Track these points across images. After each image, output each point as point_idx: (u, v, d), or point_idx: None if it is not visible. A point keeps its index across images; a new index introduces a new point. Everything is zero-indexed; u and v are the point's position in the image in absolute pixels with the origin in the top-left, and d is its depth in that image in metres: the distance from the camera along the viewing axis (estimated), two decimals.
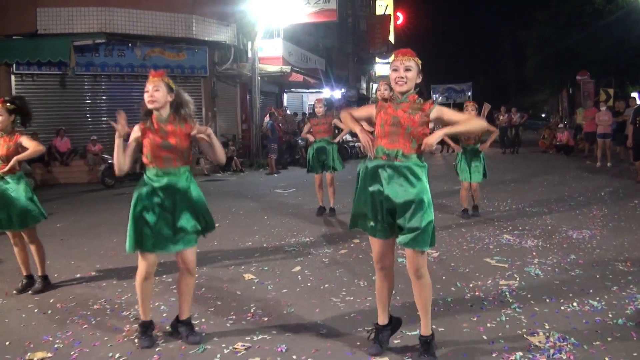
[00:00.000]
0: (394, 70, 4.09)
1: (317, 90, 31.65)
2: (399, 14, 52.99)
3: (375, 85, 49.21)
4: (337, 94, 33.47)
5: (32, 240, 6.34)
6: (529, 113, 28.90)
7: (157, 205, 4.47)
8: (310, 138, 10.66)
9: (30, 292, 6.22)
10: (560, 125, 24.08)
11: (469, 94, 40.25)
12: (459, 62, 72.87)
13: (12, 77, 17.65)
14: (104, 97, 19.48)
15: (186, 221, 4.51)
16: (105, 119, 19.40)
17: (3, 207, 5.99)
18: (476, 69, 67.58)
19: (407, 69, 4.03)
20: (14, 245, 6.33)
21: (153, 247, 4.42)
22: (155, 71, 4.59)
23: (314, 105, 10.87)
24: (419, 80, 4.12)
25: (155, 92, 4.47)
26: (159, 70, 4.65)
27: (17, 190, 6.08)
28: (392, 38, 47.12)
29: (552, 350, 4.24)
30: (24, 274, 6.39)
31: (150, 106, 4.49)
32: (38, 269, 6.38)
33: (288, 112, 25.64)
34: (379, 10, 46.29)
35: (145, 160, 4.55)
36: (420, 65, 4.11)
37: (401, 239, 4.01)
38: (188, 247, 4.54)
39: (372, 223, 4.15)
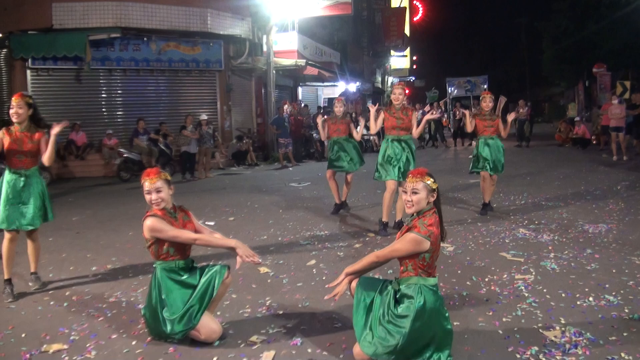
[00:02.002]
0: (403, 192, 4.14)
1: (332, 83, 31.59)
2: (417, 3, 52.83)
3: (390, 79, 49.09)
4: (352, 87, 33.39)
5: (36, 237, 6.32)
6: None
7: None
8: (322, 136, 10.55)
9: (36, 288, 6.17)
10: (577, 118, 23.85)
11: (485, 86, 39.97)
12: (475, 54, 72.51)
13: (28, 72, 17.76)
14: (120, 92, 19.57)
15: None
16: (120, 113, 19.50)
17: (28, 205, 6.05)
18: (492, 62, 67.26)
19: (414, 192, 4.01)
20: (29, 240, 6.30)
21: None
22: None
23: (334, 104, 10.67)
24: (432, 199, 4.06)
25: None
26: None
27: (39, 184, 6.16)
28: (407, 31, 46.93)
29: (568, 345, 4.22)
30: (32, 270, 6.35)
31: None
32: (32, 267, 6.33)
33: (303, 105, 25.60)
34: (395, 3, 46.10)
35: None
36: (433, 186, 4.04)
37: None
38: None
39: None
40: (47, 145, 6.12)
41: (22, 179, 6.03)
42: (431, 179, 4.04)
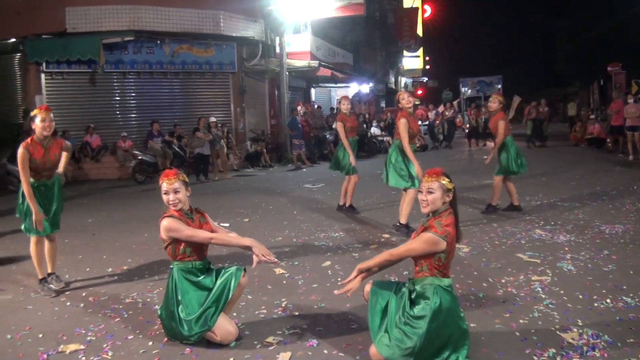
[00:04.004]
0: (419, 191, 4.16)
1: (345, 84, 31.56)
2: (426, 6, 52.68)
3: (404, 79, 48.99)
4: (365, 88, 33.36)
5: (54, 238, 6.42)
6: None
7: None
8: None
9: (60, 289, 6.21)
10: (592, 117, 23.62)
11: (499, 86, 39.84)
12: (488, 54, 72.16)
13: (42, 75, 17.88)
14: (133, 94, 19.67)
15: None
16: (134, 115, 19.58)
17: (51, 212, 6.13)
18: (506, 61, 66.89)
19: (429, 191, 4.02)
20: (49, 242, 6.32)
21: None
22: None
23: (340, 102, 10.61)
24: (447, 199, 4.05)
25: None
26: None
27: (60, 189, 6.26)
28: (420, 31, 46.84)
29: (585, 348, 4.19)
30: (51, 271, 6.39)
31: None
32: (51, 267, 6.38)
33: (316, 106, 25.61)
34: (407, 3, 46.03)
35: None
36: (449, 186, 4.04)
37: None
38: None
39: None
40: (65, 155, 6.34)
41: (44, 189, 6.10)
42: (447, 179, 4.03)
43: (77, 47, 17.48)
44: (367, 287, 4.24)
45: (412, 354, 3.79)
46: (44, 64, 17.71)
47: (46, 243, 6.27)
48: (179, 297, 4.50)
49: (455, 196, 4.09)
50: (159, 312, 4.72)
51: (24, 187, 5.87)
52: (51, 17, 17.58)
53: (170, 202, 4.57)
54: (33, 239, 6.06)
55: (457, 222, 4.06)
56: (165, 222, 4.50)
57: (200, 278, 4.58)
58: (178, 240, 4.52)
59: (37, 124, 5.91)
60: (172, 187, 4.55)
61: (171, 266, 4.65)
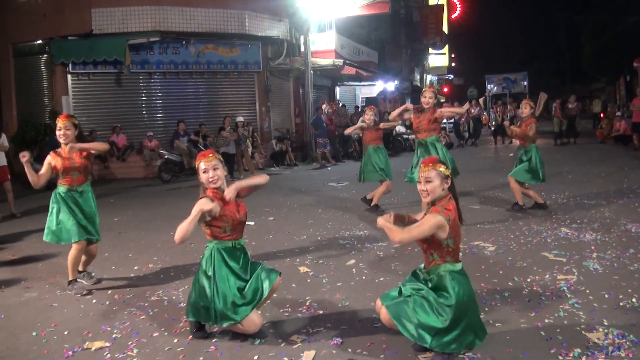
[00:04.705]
0: (418, 182, 4.21)
1: (370, 83, 31.46)
2: (456, 1, 52.51)
3: (429, 77, 48.75)
4: (391, 86, 33.25)
5: (96, 249, 6.52)
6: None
7: None
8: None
9: (92, 284, 6.33)
10: (618, 114, 23.25)
11: (525, 83, 39.41)
12: (514, 51, 71.53)
13: (69, 76, 18.12)
14: (159, 94, 19.82)
15: None
16: (160, 115, 19.72)
17: (89, 217, 6.21)
18: (531, 58, 66.22)
19: (428, 181, 4.08)
20: (85, 252, 6.34)
21: None
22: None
23: (364, 112, 10.62)
24: (446, 186, 4.10)
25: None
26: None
27: (93, 200, 6.34)
28: (445, 28, 46.58)
29: (610, 348, 4.13)
30: (81, 269, 6.46)
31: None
32: (83, 268, 6.46)
33: (341, 105, 25.57)
34: (432, 0, 45.80)
35: None
36: (446, 172, 4.10)
37: None
38: None
39: None
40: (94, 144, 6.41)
41: (78, 195, 6.15)
42: (443, 166, 4.11)
43: (103, 47, 17.67)
44: (379, 303, 4.27)
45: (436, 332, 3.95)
46: (70, 65, 17.95)
47: (85, 252, 6.32)
48: (214, 278, 4.51)
49: (452, 182, 4.19)
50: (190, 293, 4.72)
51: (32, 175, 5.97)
52: (77, 18, 17.78)
53: (211, 179, 4.58)
54: (76, 245, 6.07)
55: (458, 206, 4.16)
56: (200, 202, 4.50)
57: (239, 258, 4.64)
58: (216, 220, 4.54)
59: (56, 131, 6.15)
60: (210, 164, 4.58)
61: (207, 245, 4.65)
